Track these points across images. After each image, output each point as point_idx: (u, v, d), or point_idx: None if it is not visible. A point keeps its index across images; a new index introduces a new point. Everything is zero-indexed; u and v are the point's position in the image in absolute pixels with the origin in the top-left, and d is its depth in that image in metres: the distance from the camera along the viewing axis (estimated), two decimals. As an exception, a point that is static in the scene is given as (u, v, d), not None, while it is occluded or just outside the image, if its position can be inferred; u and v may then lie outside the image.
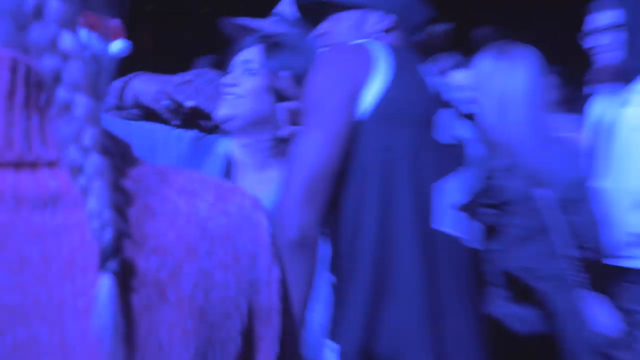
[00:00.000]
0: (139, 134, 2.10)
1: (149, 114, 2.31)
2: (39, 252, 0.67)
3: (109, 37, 3.08)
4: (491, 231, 2.62)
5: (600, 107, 3.26)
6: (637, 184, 2.82)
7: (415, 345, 1.72)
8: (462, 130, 1.90)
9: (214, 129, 2.23)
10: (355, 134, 1.76)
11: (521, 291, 2.64)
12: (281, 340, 0.78)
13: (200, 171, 1.95)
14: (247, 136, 2.06)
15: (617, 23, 3.25)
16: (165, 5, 7.70)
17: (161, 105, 2.25)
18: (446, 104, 1.87)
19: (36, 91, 0.71)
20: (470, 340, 1.80)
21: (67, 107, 0.70)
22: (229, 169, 2.09)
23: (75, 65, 0.71)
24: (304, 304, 1.70)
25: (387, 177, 1.76)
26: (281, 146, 2.05)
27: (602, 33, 3.29)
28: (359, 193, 1.76)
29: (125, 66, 3.18)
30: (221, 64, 2.24)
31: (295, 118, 2.01)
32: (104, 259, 0.67)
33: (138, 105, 2.32)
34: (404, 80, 1.80)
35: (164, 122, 2.26)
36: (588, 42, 3.33)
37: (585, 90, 3.61)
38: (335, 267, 1.82)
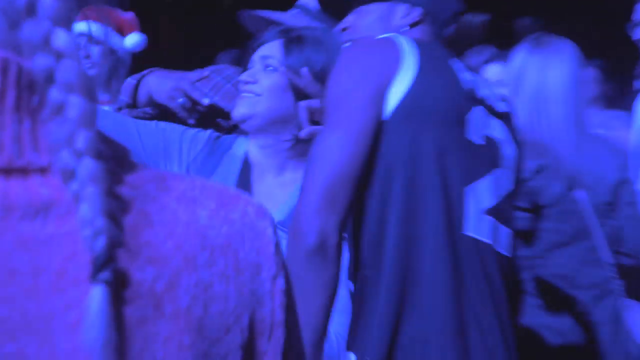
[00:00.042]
0: (151, 135, 2.10)
1: (164, 113, 2.32)
2: (28, 263, 0.67)
3: (122, 31, 3.12)
4: (525, 236, 2.61)
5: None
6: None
7: (438, 358, 1.71)
8: (496, 130, 1.89)
9: (233, 129, 2.24)
10: (379, 134, 1.75)
11: (557, 300, 2.63)
12: (284, 354, 0.78)
13: (209, 176, 1.93)
14: (265, 137, 2.06)
15: None
16: (188, -4, 7.72)
17: (176, 103, 2.25)
18: (479, 102, 1.86)
19: (28, 93, 0.71)
20: (498, 354, 1.78)
21: (60, 109, 0.70)
22: (246, 172, 2.09)
23: (69, 65, 0.71)
24: (325, 315, 1.70)
25: (413, 180, 1.75)
26: (301, 147, 2.05)
27: None
28: (382, 197, 1.75)
29: (144, 61, 3.21)
30: (244, 59, 2.25)
31: (316, 117, 2.01)
32: (96, 269, 0.68)
33: (152, 103, 2.33)
34: (432, 76, 1.79)
35: (180, 121, 2.27)
36: (637, 34, 3.29)
37: (635, 85, 3.57)
38: (356, 274, 1.81)
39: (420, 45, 1.83)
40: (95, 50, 3.24)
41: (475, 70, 3.58)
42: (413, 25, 1.95)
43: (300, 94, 2.03)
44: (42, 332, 0.66)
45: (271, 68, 2.06)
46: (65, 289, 0.68)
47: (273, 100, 2.04)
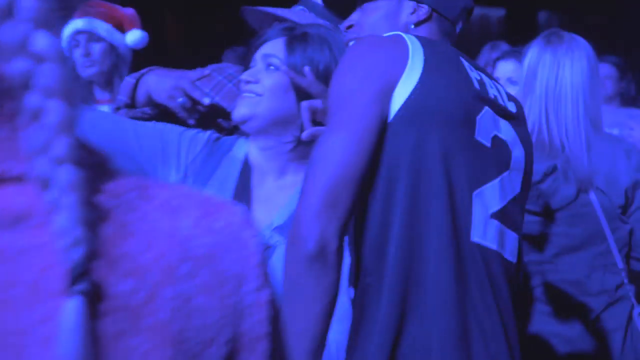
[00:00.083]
0: (148, 136, 2.10)
1: (164, 113, 2.32)
2: (1, 275, 0.67)
3: (123, 28, 3.13)
4: (535, 240, 2.60)
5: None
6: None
7: None
8: (505, 131, 1.88)
9: (234, 130, 2.24)
10: (383, 135, 1.74)
11: (566, 307, 2.62)
12: None
13: (208, 178, 1.93)
14: (267, 138, 2.06)
15: None
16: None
17: (176, 103, 2.25)
18: (488, 102, 1.85)
19: (4, 98, 0.71)
20: None
21: (37, 115, 0.70)
22: (246, 174, 2.09)
23: (49, 69, 0.71)
24: (324, 323, 1.69)
25: (417, 184, 1.74)
26: (303, 149, 2.05)
27: None
28: (385, 201, 1.75)
29: (148, 58, 3.21)
30: (246, 58, 2.25)
31: (319, 118, 2.00)
32: (72, 280, 0.68)
33: (151, 103, 2.33)
34: (439, 76, 1.78)
35: (180, 121, 2.27)
36: None
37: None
38: (357, 281, 1.81)
39: (427, 43, 1.82)
40: (96, 47, 3.25)
41: (488, 67, 3.57)
42: (420, 23, 1.94)
43: (302, 94, 2.03)
44: (16, 346, 0.66)
45: (273, 67, 2.06)
46: (40, 302, 0.68)
47: (275, 101, 2.04)
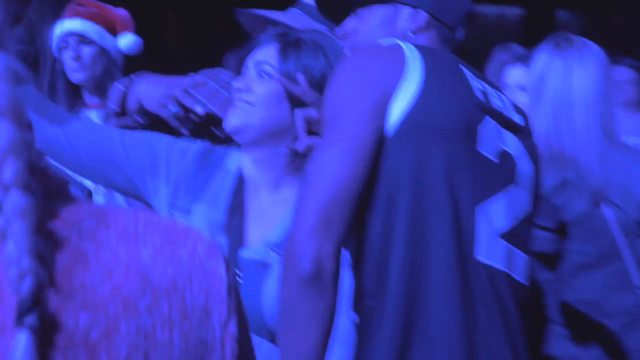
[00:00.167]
0: (136, 147, 2.10)
1: (155, 121, 2.31)
2: None
3: (115, 30, 3.12)
4: (547, 258, 2.59)
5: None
6: None
7: None
8: (511, 144, 1.87)
9: (229, 139, 2.23)
10: (381, 150, 1.74)
11: (583, 329, 2.60)
12: None
13: (200, 192, 1.92)
14: (260, 150, 2.06)
15: None
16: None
17: (168, 111, 2.25)
18: (492, 113, 1.84)
19: None
20: None
21: None
22: (240, 188, 2.08)
23: None
24: (320, 348, 1.69)
25: (419, 201, 1.74)
26: (299, 161, 2.04)
27: None
28: (386, 219, 1.74)
29: (148, 60, 3.21)
30: (238, 64, 2.24)
31: (315, 128, 2.00)
32: (21, 313, 0.67)
33: (142, 111, 2.33)
34: (439, 86, 1.78)
35: (172, 130, 2.27)
36: None
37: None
38: (359, 303, 1.80)
39: (426, 52, 1.82)
40: (86, 51, 3.25)
41: (498, 71, 3.56)
42: (418, 30, 1.93)
43: (297, 103, 2.02)
44: None
45: (265, 75, 2.05)
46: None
47: (268, 110, 2.03)
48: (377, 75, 1.77)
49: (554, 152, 2.57)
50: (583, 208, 2.55)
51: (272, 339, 1.94)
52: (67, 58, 3.25)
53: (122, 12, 3.36)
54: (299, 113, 2.00)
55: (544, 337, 2.62)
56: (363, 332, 1.78)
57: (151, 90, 2.29)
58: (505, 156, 1.85)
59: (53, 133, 2.07)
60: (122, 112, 2.36)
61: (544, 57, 2.67)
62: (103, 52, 3.27)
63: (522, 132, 1.94)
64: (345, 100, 1.76)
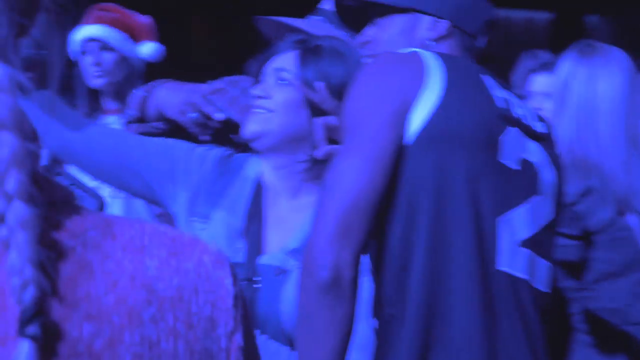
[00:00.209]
0: (155, 153, 2.11)
1: (175, 128, 2.32)
2: None
3: (137, 37, 3.14)
4: (571, 267, 2.58)
5: None
6: None
7: None
8: (533, 153, 1.87)
9: (249, 146, 2.24)
10: (401, 159, 1.74)
11: (608, 337, 2.59)
12: None
13: (219, 198, 1.93)
14: (278, 157, 2.07)
15: None
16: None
17: (188, 118, 2.26)
18: (514, 122, 1.84)
19: None
20: None
21: None
22: (259, 195, 2.09)
23: (0, 100, 0.71)
24: (339, 355, 1.69)
25: (439, 210, 1.73)
26: (318, 168, 2.05)
27: None
28: (406, 228, 1.74)
29: (173, 66, 3.23)
30: (258, 71, 2.24)
31: (334, 136, 2.00)
32: (24, 323, 0.68)
33: (162, 117, 2.34)
34: (461, 95, 1.78)
35: (191, 137, 2.28)
36: None
37: None
38: (379, 311, 1.80)
39: (447, 60, 1.81)
40: (107, 57, 3.27)
41: (524, 78, 3.55)
42: (439, 38, 1.93)
43: (316, 110, 2.03)
44: None
45: (285, 82, 2.06)
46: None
47: (287, 117, 2.04)
48: (397, 83, 1.77)
49: (578, 160, 2.56)
50: (607, 216, 2.54)
51: (291, 345, 1.94)
52: (88, 63, 3.27)
53: (144, 20, 3.38)
54: (318, 120, 2.00)
55: (568, 345, 2.61)
56: (383, 339, 1.78)
57: (171, 97, 2.30)
58: (528, 165, 1.85)
59: (71, 138, 2.09)
60: (142, 119, 2.38)
61: (568, 64, 2.66)
62: (124, 59, 3.29)
63: (545, 140, 1.93)
64: (365, 109, 1.76)
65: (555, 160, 1.94)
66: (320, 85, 2.03)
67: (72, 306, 0.71)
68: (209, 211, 2.08)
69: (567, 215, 2.44)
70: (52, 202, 0.75)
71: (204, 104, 2.25)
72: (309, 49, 2.08)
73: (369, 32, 1.98)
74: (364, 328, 1.87)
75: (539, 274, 1.84)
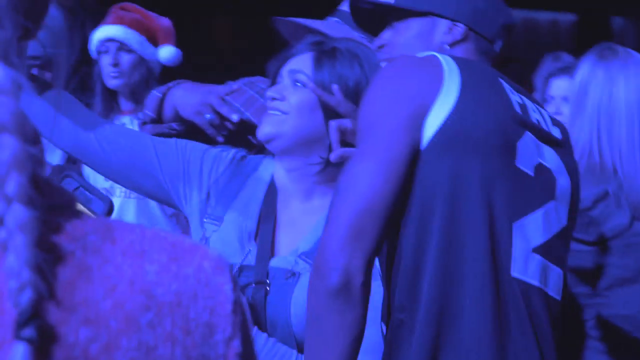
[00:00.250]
0: (169, 154, 2.12)
1: (192, 129, 2.33)
2: None
3: (156, 40, 3.15)
4: (585, 272, 2.56)
5: None
6: None
7: None
8: (549, 158, 1.86)
9: (265, 147, 2.24)
10: (416, 163, 1.73)
11: (621, 344, 2.58)
12: None
13: (232, 200, 1.93)
14: (292, 159, 2.07)
15: None
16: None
17: (204, 119, 2.27)
18: (531, 127, 1.83)
19: None
20: None
21: None
22: (271, 197, 2.09)
23: (1, 102, 0.72)
24: (347, 359, 1.69)
25: (453, 215, 1.73)
26: (331, 171, 2.04)
27: None
28: (419, 234, 1.74)
29: (196, 67, 3.24)
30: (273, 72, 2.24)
31: (348, 139, 2.00)
32: (20, 325, 0.68)
33: (178, 118, 2.35)
34: (477, 100, 1.77)
35: (207, 138, 2.28)
36: None
37: None
38: (389, 316, 1.80)
39: (464, 64, 1.81)
40: (125, 58, 3.29)
41: (545, 81, 3.54)
42: (456, 43, 1.92)
43: (330, 113, 2.02)
44: None
45: (300, 84, 2.06)
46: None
47: (301, 119, 2.04)
48: (414, 87, 1.76)
49: (594, 164, 2.55)
50: (623, 221, 2.53)
51: (300, 348, 1.94)
52: (106, 63, 3.30)
53: (165, 22, 3.39)
54: (333, 123, 2.00)
55: (581, 351, 2.59)
56: (392, 345, 1.78)
57: (187, 98, 2.31)
58: (543, 171, 1.84)
59: (85, 137, 2.09)
60: (159, 119, 2.38)
61: (586, 68, 2.65)
62: (142, 61, 3.31)
63: (561, 146, 1.92)
64: (381, 112, 1.76)
65: (571, 167, 1.93)
66: (335, 87, 2.03)
67: (70, 310, 0.71)
68: (222, 213, 2.08)
69: (583, 221, 2.43)
70: (53, 205, 0.75)
71: (220, 104, 2.25)
72: (325, 51, 2.08)
73: (386, 35, 1.97)
74: (374, 332, 1.87)
75: (551, 281, 1.83)
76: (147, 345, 0.73)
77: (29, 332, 0.68)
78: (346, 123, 2.01)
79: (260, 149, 2.27)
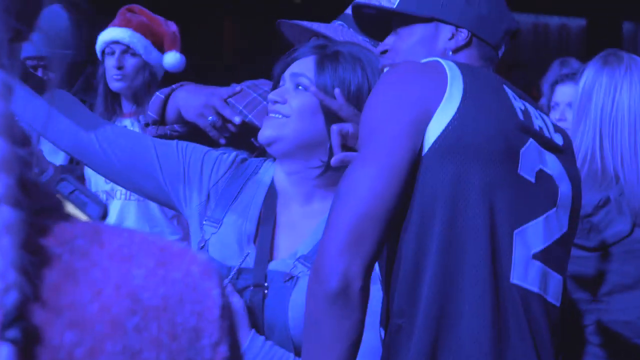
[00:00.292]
0: (170, 156, 2.12)
1: (194, 131, 2.33)
2: None
3: (162, 46, 3.15)
4: (585, 278, 2.56)
5: None
6: None
7: None
8: (551, 165, 1.85)
9: (266, 151, 2.24)
10: (417, 170, 1.73)
11: (621, 351, 2.57)
12: None
13: (231, 202, 1.92)
14: (292, 162, 2.06)
15: None
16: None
17: (206, 121, 2.26)
18: (533, 134, 1.82)
19: None
20: None
21: None
22: (271, 199, 2.08)
23: None
24: None
25: (454, 222, 1.72)
26: (332, 175, 2.04)
27: None
28: (419, 238, 1.73)
29: (204, 68, 3.24)
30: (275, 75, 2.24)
31: (350, 143, 1.99)
32: (4, 326, 0.68)
33: (181, 120, 2.35)
34: (480, 106, 1.76)
35: (210, 140, 2.28)
36: None
37: None
38: (387, 321, 1.79)
39: (467, 70, 1.80)
40: (130, 61, 3.29)
41: (551, 87, 3.53)
42: (459, 48, 1.92)
43: (332, 117, 2.02)
44: None
45: (301, 87, 2.05)
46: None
47: (302, 123, 2.03)
48: (417, 93, 1.76)
49: (596, 170, 2.54)
50: (624, 228, 2.52)
51: (298, 352, 1.93)
52: (110, 65, 3.30)
53: (171, 27, 3.40)
54: (335, 127, 1.99)
55: (581, 357, 2.59)
56: (391, 350, 1.77)
57: (190, 100, 2.31)
58: (545, 178, 1.83)
59: (86, 138, 2.09)
60: (161, 121, 2.38)
61: (590, 74, 2.65)
62: (146, 65, 3.32)
63: (563, 152, 1.92)
64: (383, 118, 1.75)
65: (572, 173, 1.93)
66: (337, 91, 2.02)
67: (55, 313, 0.71)
68: (221, 215, 2.08)
69: (584, 227, 2.42)
70: (41, 208, 0.75)
71: (223, 106, 2.25)
72: (328, 55, 2.07)
73: (389, 40, 1.97)
74: (372, 337, 1.86)
75: (551, 288, 1.83)
76: (132, 350, 0.73)
77: (13, 333, 0.68)
78: (347, 127, 2.00)
79: (262, 152, 2.27)
